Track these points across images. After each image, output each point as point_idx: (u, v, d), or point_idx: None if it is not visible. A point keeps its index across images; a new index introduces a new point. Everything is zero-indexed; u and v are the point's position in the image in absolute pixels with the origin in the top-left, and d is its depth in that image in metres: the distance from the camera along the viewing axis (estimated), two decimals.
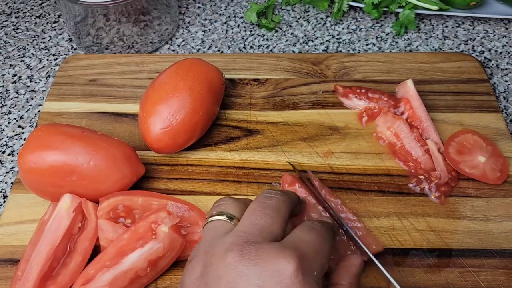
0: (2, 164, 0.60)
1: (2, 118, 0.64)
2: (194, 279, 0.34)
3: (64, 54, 0.73)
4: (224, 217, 0.38)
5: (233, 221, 0.38)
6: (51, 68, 0.71)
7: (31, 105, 0.66)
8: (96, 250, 0.48)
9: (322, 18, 0.77)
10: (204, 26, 0.76)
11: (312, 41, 0.73)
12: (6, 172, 0.59)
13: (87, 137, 0.50)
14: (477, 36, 0.74)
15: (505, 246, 0.49)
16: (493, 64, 0.70)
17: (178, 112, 0.52)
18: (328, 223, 0.40)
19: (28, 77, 0.70)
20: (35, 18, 0.79)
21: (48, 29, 0.77)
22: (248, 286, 0.31)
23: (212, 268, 0.33)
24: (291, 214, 0.39)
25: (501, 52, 0.71)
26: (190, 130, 0.54)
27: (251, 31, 0.75)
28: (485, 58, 0.70)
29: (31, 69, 0.71)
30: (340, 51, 0.72)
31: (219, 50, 0.73)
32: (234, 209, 0.39)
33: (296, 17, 0.77)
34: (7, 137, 0.62)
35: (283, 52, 0.72)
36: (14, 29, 0.77)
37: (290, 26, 0.76)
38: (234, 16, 0.78)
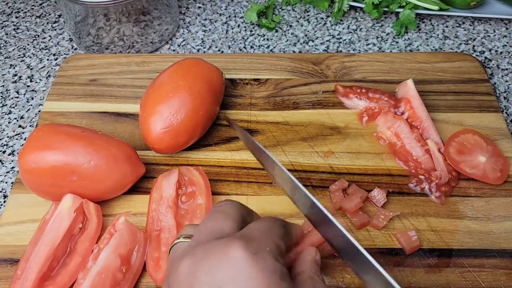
0: (2, 164, 0.60)
1: (2, 118, 0.64)
2: None
3: (65, 54, 0.73)
4: (181, 239, 0.38)
5: (190, 239, 0.38)
6: (52, 68, 0.71)
7: (31, 105, 0.66)
8: None
9: (322, 18, 0.77)
10: (204, 26, 0.76)
11: (313, 41, 0.73)
12: (6, 172, 0.59)
13: (88, 137, 0.50)
14: (478, 36, 0.73)
15: (505, 246, 0.49)
16: (493, 64, 0.70)
17: (178, 112, 0.52)
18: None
19: (28, 77, 0.70)
20: (35, 18, 0.79)
21: (49, 29, 0.77)
22: (204, 284, 0.31)
23: (173, 285, 0.33)
24: (244, 219, 0.38)
25: (501, 52, 0.71)
26: (191, 130, 0.54)
27: (251, 31, 0.75)
28: (486, 58, 0.70)
29: (31, 69, 0.71)
30: (341, 51, 0.72)
31: (219, 50, 0.73)
32: (192, 230, 0.39)
33: (296, 17, 0.77)
34: (8, 137, 0.62)
35: (284, 52, 0.72)
36: (14, 29, 0.77)
37: (291, 26, 0.76)
38: (235, 16, 0.78)
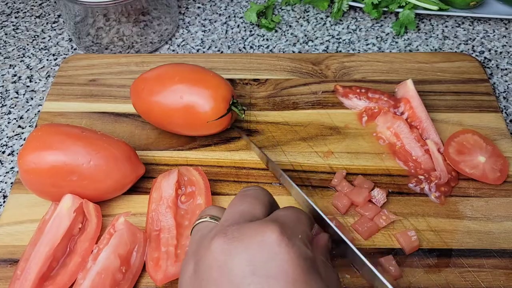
0: (2, 164, 0.59)
1: (2, 118, 0.64)
2: (188, 278, 0.35)
3: (64, 54, 0.73)
4: (207, 218, 0.39)
5: (216, 221, 0.38)
6: (51, 68, 0.71)
7: (31, 105, 0.66)
8: None
9: (322, 18, 0.77)
10: (204, 26, 0.76)
11: (312, 41, 0.73)
12: (6, 172, 0.59)
13: (87, 137, 0.50)
14: (477, 36, 0.74)
15: (505, 246, 0.49)
16: (493, 64, 0.70)
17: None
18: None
19: (28, 77, 0.70)
20: (35, 18, 0.79)
21: (48, 29, 0.77)
22: (238, 264, 0.31)
23: (202, 262, 0.34)
24: (271, 206, 0.39)
25: (501, 52, 0.71)
26: None
27: (251, 31, 0.75)
28: (485, 58, 0.70)
29: (31, 69, 0.71)
30: (340, 51, 0.72)
31: (219, 50, 0.73)
32: (216, 211, 0.40)
33: (296, 17, 0.77)
34: (7, 137, 0.62)
35: (283, 52, 0.72)
36: (14, 29, 0.77)
37: (290, 26, 0.76)
38: (234, 16, 0.78)
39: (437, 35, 0.74)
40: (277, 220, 0.34)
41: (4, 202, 0.56)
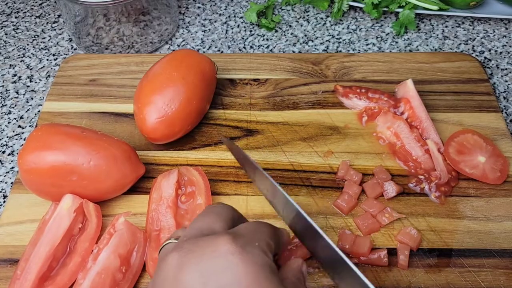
0: (2, 164, 0.59)
1: (2, 118, 0.64)
2: None
3: (64, 54, 0.73)
4: (171, 239, 0.38)
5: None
6: (51, 68, 0.71)
7: (31, 105, 0.66)
8: None
9: (322, 18, 0.77)
10: (204, 26, 0.76)
11: (312, 41, 0.73)
12: (6, 172, 0.59)
13: (87, 137, 0.50)
14: (477, 36, 0.74)
15: (505, 246, 0.49)
16: (493, 64, 0.70)
17: (172, 101, 0.54)
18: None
19: (28, 77, 0.70)
20: (35, 18, 0.79)
21: (48, 29, 0.77)
22: (191, 277, 0.31)
23: (158, 275, 0.33)
24: (234, 223, 0.38)
25: (501, 52, 0.71)
26: (185, 119, 0.55)
27: (251, 31, 0.75)
28: (485, 58, 0.70)
29: (31, 69, 0.71)
30: (340, 51, 0.72)
31: (219, 50, 0.73)
32: (181, 231, 0.39)
33: (296, 17, 0.77)
34: (7, 137, 0.62)
35: (283, 52, 0.72)
36: (14, 29, 0.77)
37: (290, 26, 0.76)
38: (234, 16, 0.78)
39: (437, 35, 0.74)
40: (233, 232, 0.34)
41: (4, 202, 0.56)
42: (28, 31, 0.77)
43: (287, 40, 0.74)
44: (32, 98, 0.67)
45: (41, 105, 0.66)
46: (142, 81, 0.56)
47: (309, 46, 0.73)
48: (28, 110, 0.65)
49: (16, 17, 0.79)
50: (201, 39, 0.74)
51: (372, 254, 0.48)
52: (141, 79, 0.57)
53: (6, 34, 0.76)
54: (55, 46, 0.74)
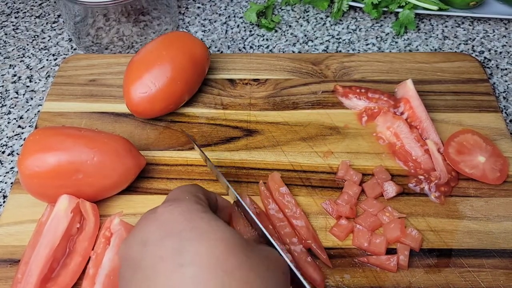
0: (2, 164, 0.59)
1: (2, 118, 0.64)
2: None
3: (64, 54, 0.73)
4: None
5: None
6: (51, 68, 0.71)
7: (30, 105, 0.66)
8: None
9: (322, 18, 0.77)
10: (203, 26, 0.76)
11: (312, 41, 0.73)
12: (6, 172, 0.59)
13: (86, 135, 0.50)
14: (477, 36, 0.74)
15: (505, 246, 0.49)
16: (493, 64, 0.70)
17: (157, 79, 0.56)
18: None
19: (28, 77, 0.70)
20: (34, 18, 0.79)
21: (48, 29, 0.77)
22: (135, 239, 0.34)
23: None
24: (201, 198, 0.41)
25: (501, 52, 0.71)
26: (167, 98, 0.57)
27: (250, 31, 0.75)
28: (485, 58, 0.70)
29: (31, 69, 0.71)
30: (340, 51, 0.72)
31: (218, 50, 0.73)
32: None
33: (296, 17, 0.77)
34: (7, 137, 0.62)
35: (283, 52, 0.72)
36: (14, 29, 0.77)
37: (290, 26, 0.76)
38: (234, 16, 0.78)
39: (437, 35, 0.74)
40: (165, 200, 0.38)
41: (4, 202, 0.56)
42: (28, 31, 0.77)
43: (287, 40, 0.74)
44: (32, 98, 0.67)
45: (41, 105, 0.66)
46: (134, 57, 0.59)
47: (309, 46, 0.73)
48: (28, 110, 0.65)
49: (16, 17, 0.79)
50: (201, 39, 0.74)
51: (385, 258, 0.48)
52: (134, 54, 0.59)
53: (6, 34, 0.76)
54: (55, 46, 0.74)
